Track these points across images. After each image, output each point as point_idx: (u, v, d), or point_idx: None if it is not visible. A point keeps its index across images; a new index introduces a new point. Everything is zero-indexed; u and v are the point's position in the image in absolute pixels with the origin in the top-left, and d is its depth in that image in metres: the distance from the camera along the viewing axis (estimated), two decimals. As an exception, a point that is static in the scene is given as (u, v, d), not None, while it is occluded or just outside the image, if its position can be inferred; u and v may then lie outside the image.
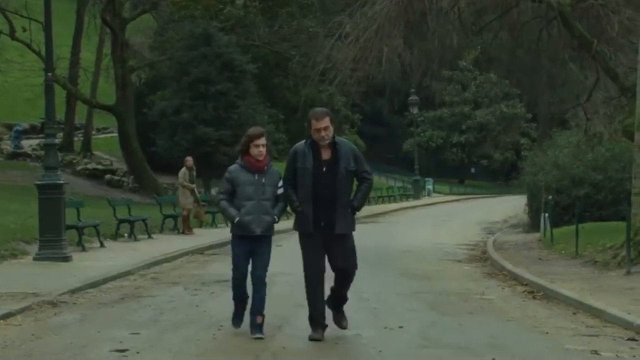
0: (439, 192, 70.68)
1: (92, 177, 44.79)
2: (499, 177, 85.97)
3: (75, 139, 51.78)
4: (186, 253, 21.57)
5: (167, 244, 23.17)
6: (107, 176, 45.19)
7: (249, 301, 10.42)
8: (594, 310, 12.32)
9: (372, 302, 13.05)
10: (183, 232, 27.16)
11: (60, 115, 44.20)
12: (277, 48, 46.99)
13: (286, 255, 17.75)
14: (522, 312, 12.89)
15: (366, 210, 28.98)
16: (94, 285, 15.00)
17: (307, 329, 10.37)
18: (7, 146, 50.07)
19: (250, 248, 10.23)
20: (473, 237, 29.08)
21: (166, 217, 27.65)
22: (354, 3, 26.65)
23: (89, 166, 46.16)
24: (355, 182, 10.21)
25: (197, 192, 28.94)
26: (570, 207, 25.59)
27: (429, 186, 69.03)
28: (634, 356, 9.60)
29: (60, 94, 39.12)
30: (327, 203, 9.89)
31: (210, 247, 23.07)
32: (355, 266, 10.23)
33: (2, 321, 11.34)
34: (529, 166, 34.78)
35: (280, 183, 10.25)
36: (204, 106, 39.04)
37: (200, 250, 22.48)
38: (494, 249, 22.99)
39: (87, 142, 50.48)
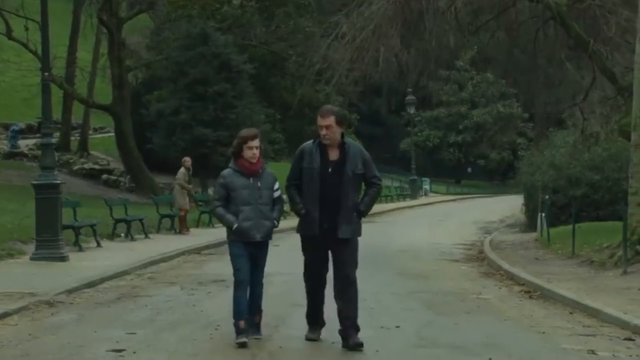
0: (436, 192, 70.73)
1: (89, 177, 44.76)
2: (496, 177, 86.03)
3: (72, 138, 51.77)
4: (183, 253, 21.56)
5: (164, 243, 23.16)
6: (104, 176, 45.16)
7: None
8: (591, 310, 12.33)
9: (368, 301, 13.05)
10: (180, 232, 27.17)
11: (56, 115, 44.20)
12: (273, 48, 46.98)
13: (283, 255, 17.75)
14: (519, 311, 12.90)
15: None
16: (91, 285, 14.99)
17: (303, 328, 10.37)
18: (4, 146, 50.00)
19: (250, 253, 9.83)
20: (470, 237, 29.10)
21: (163, 216, 27.63)
22: (351, 3, 26.64)
23: (85, 166, 46.13)
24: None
25: (193, 193, 28.98)
26: (567, 207, 25.60)
27: (426, 186, 69.07)
28: (631, 356, 9.62)
29: (56, 94, 39.17)
30: (332, 205, 9.52)
31: (207, 247, 23.06)
32: (350, 278, 9.67)
33: (-2, 321, 11.34)
34: (525, 166, 34.82)
35: (277, 185, 9.94)
36: (202, 107, 39.05)
37: (197, 250, 22.47)
38: (490, 249, 23.01)
39: (83, 142, 50.46)
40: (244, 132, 10.00)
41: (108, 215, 24.33)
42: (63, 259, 17.89)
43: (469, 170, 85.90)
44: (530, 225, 30.41)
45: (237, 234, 9.76)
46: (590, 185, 27.61)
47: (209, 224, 29.66)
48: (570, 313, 12.59)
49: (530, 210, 31.58)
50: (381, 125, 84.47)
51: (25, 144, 49.94)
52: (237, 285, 9.87)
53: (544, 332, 10.97)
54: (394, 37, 25.43)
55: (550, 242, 22.65)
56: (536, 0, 23.99)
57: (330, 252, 9.72)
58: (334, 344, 9.80)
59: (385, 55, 25.80)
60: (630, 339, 10.46)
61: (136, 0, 47.99)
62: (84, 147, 50.08)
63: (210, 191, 34.95)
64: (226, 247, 10.56)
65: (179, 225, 27.42)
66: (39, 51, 24.18)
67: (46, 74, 18.93)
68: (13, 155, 48.39)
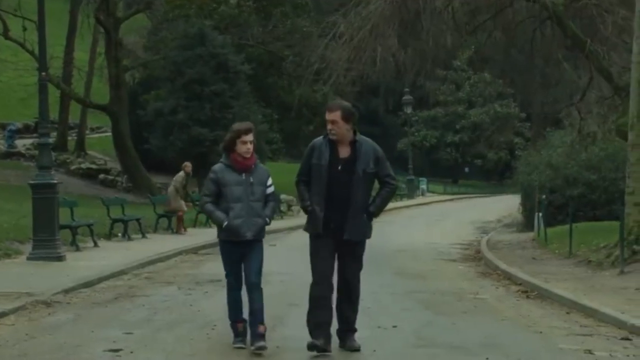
0: (433, 192, 70.69)
1: (86, 177, 44.70)
2: (493, 177, 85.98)
3: (69, 138, 51.71)
4: (180, 253, 21.55)
5: (161, 243, 23.14)
6: (101, 176, 45.12)
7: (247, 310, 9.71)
8: (588, 310, 12.34)
9: (366, 301, 13.02)
10: (177, 232, 27.16)
11: (54, 114, 44.09)
12: (271, 47, 46.95)
13: (280, 255, 17.79)
14: (516, 311, 12.90)
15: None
16: (88, 285, 14.98)
17: (301, 328, 10.36)
18: (1, 145, 49.94)
19: (241, 253, 9.50)
20: (467, 237, 29.11)
21: (160, 216, 27.63)
22: (348, 2, 26.68)
23: (82, 166, 46.09)
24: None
25: (186, 195, 29.08)
26: (564, 207, 25.62)
27: (423, 186, 69.04)
28: (628, 355, 9.62)
29: (54, 94, 39.11)
30: (340, 205, 9.12)
31: (204, 246, 23.04)
32: (354, 281, 9.45)
33: (-5, 321, 11.33)
34: (522, 166, 34.85)
35: (270, 181, 9.64)
36: (199, 107, 39.05)
37: (194, 250, 22.47)
38: (487, 249, 23.01)
39: (80, 142, 50.42)
40: (237, 125, 9.62)
41: (105, 215, 24.31)
42: (60, 258, 17.87)
43: (466, 170, 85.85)
44: (527, 225, 30.42)
45: (227, 232, 9.42)
46: (587, 185, 27.63)
47: (206, 224, 29.65)
48: (568, 313, 12.59)
49: (528, 210, 31.59)
50: (378, 125, 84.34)
51: (22, 143, 49.87)
52: (229, 288, 9.70)
53: (541, 332, 10.97)
54: (391, 37, 25.47)
55: (547, 242, 22.65)
56: (533, 0, 24.02)
57: (337, 252, 9.37)
58: (332, 345, 9.79)
59: (382, 55, 25.84)
60: (627, 339, 10.47)
61: (133, 0, 47.97)
62: (81, 146, 50.04)
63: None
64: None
65: (176, 225, 27.41)
66: (36, 51, 24.19)
67: (43, 73, 18.91)
68: (10, 155, 48.33)
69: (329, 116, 9.23)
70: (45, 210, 17.82)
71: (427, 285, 16.02)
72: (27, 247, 18.65)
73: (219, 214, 9.41)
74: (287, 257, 19.16)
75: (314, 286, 9.35)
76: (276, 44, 46.90)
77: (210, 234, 25.49)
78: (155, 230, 26.91)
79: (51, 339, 10.23)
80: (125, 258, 18.90)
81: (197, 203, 31.13)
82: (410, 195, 62.53)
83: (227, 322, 9.85)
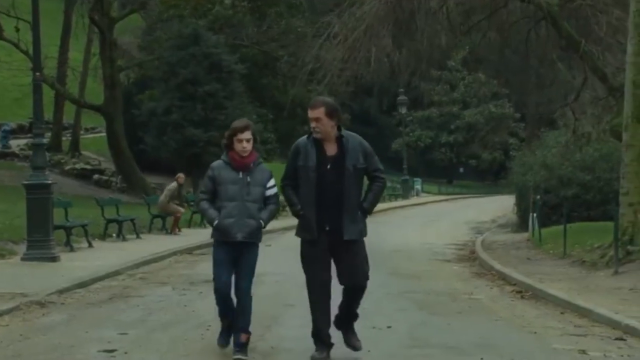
0: (428, 192, 70.77)
1: (80, 177, 44.66)
2: (488, 177, 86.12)
3: (64, 138, 51.67)
4: (174, 253, 21.54)
5: (156, 243, 23.14)
6: (95, 176, 45.07)
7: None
8: (582, 310, 12.35)
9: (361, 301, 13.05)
10: (171, 232, 27.15)
11: (48, 115, 44.08)
12: (265, 48, 46.96)
13: (275, 255, 17.76)
14: (511, 311, 12.91)
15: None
16: (82, 285, 14.96)
17: (295, 328, 10.37)
18: (-5, 146, 49.92)
19: (233, 256, 9.04)
20: (462, 237, 29.12)
21: (154, 217, 27.61)
22: (343, 3, 26.67)
23: (77, 166, 46.03)
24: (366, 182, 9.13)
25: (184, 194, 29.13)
26: (558, 207, 25.63)
27: (418, 186, 69.10)
28: (622, 355, 9.63)
29: (48, 94, 39.09)
30: (333, 205, 8.70)
31: (199, 247, 23.04)
32: (365, 278, 8.95)
33: (-11, 321, 11.31)
34: (517, 166, 34.89)
35: (272, 183, 9.17)
36: (193, 107, 39.07)
37: (189, 250, 22.46)
38: (482, 249, 23.03)
39: (75, 142, 50.37)
40: (235, 123, 9.24)
41: (99, 215, 24.30)
42: (54, 259, 17.86)
43: (461, 170, 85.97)
44: (521, 225, 30.46)
45: (218, 231, 9.01)
46: (581, 186, 27.67)
47: (201, 224, 29.63)
48: (562, 313, 12.60)
49: (522, 210, 31.63)
50: (373, 126, 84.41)
51: (16, 144, 49.82)
52: (215, 292, 9.18)
53: (535, 332, 10.98)
54: (385, 37, 25.46)
55: (541, 242, 22.68)
56: (527, 1, 24.04)
57: (336, 257, 8.86)
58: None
59: (377, 55, 25.83)
60: (621, 339, 10.48)
61: (128, 0, 47.94)
62: (75, 147, 49.99)
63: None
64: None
65: (172, 225, 27.41)
66: (30, 51, 24.15)
67: (37, 74, 18.90)
68: (4, 155, 48.25)
69: (311, 114, 8.84)
70: (40, 211, 17.80)
71: (422, 285, 16.03)
72: (22, 248, 18.62)
73: (211, 212, 9.04)
74: (282, 257, 19.13)
75: (312, 294, 8.94)
76: (271, 44, 46.91)
77: (204, 235, 25.46)
78: (149, 231, 26.90)
79: (45, 339, 10.22)
80: (120, 258, 18.88)
81: (193, 203, 31.17)
82: (405, 196, 62.58)
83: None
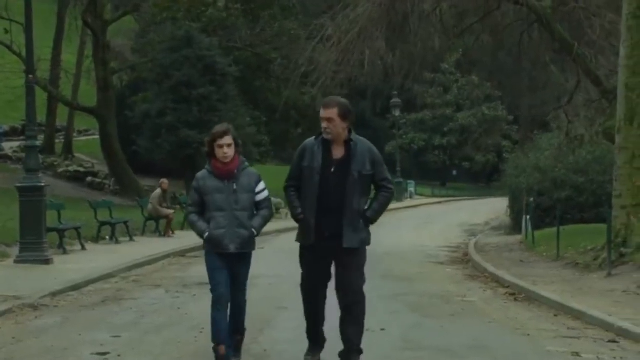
0: (421, 195, 70.77)
1: (74, 180, 44.64)
2: (481, 180, 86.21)
3: (57, 141, 51.66)
4: (168, 255, 21.52)
5: (149, 246, 23.11)
6: (89, 178, 45.05)
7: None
8: (575, 312, 12.36)
9: (354, 304, 13.05)
10: (165, 235, 27.13)
11: (41, 117, 44.09)
12: (258, 50, 46.99)
13: (268, 258, 17.73)
14: (504, 314, 12.91)
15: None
16: (75, 288, 14.94)
17: (289, 331, 10.36)
18: (-12, 148, 49.87)
19: (227, 266, 8.65)
20: (455, 240, 29.13)
21: (148, 219, 27.58)
22: (336, 5, 26.72)
23: (70, 168, 46.01)
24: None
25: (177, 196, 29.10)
26: (551, 210, 25.67)
27: (411, 188, 69.10)
28: (615, 358, 9.63)
29: (41, 96, 38.99)
30: (334, 210, 8.32)
31: (192, 249, 23.00)
32: (358, 293, 8.56)
33: (-18, 324, 11.29)
34: (510, 168, 34.92)
35: (261, 187, 8.75)
36: (187, 109, 39.09)
37: (182, 253, 22.43)
38: (475, 251, 23.04)
39: (68, 144, 50.35)
40: (214, 129, 8.76)
41: (93, 217, 24.27)
42: (47, 261, 17.82)
43: (454, 172, 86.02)
44: (515, 227, 30.48)
45: (209, 243, 8.63)
46: (574, 188, 27.71)
47: (194, 227, 29.61)
48: (555, 315, 12.61)
49: (515, 212, 31.66)
50: (366, 128, 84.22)
51: (9, 146, 49.79)
52: (215, 303, 8.69)
53: (528, 335, 10.99)
54: (379, 39, 25.48)
55: (535, 245, 22.70)
56: (521, 3, 24.07)
57: (334, 263, 8.54)
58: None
59: (370, 58, 25.85)
60: (614, 341, 10.49)
61: (121, 3, 47.94)
62: (68, 149, 49.97)
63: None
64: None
65: (165, 228, 27.38)
66: (23, 53, 24.11)
67: (30, 76, 18.87)
68: (-3, 157, 48.23)
69: (324, 113, 8.40)
70: (33, 213, 17.77)
71: (415, 288, 16.02)
72: (14, 250, 18.59)
73: (200, 224, 8.67)
74: (275, 260, 19.14)
75: (306, 295, 8.71)
76: (264, 47, 46.94)
77: (197, 237, 25.48)
78: (143, 233, 26.88)
79: (38, 342, 10.20)
80: (113, 261, 18.86)
81: (185, 206, 31.11)
82: (399, 198, 62.51)
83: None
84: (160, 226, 27.56)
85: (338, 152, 8.43)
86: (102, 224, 24.18)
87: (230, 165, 8.62)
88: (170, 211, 27.98)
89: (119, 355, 9.37)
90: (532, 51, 28.61)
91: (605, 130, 22.16)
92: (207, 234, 8.60)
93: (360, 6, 25.43)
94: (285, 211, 38.25)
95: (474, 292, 15.64)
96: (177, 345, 9.99)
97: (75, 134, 53.20)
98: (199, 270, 17.98)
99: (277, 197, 34.12)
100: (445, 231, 33.02)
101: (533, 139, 38.91)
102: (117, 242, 24.08)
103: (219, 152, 8.59)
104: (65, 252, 20.35)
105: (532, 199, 26.54)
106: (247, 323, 9.26)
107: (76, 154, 50.24)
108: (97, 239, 23.82)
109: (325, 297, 8.73)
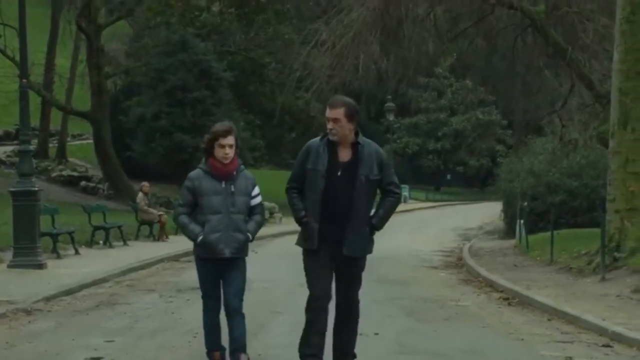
0: (415, 199, 70.79)
1: (67, 184, 44.49)
2: (475, 184, 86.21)
3: (50, 145, 51.50)
4: (161, 260, 21.50)
5: (143, 251, 23.09)
6: (82, 183, 44.93)
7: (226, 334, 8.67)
8: (569, 317, 12.36)
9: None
10: (158, 239, 27.10)
11: (34, 121, 43.90)
12: (252, 55, 47.00)
13: (263, 262, 17.73)
14: (498, 318, 12.92)
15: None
16: (69, 292, 14.91)
17: (283, 335, 10.35)
18: (-19, 153, 49.72)
19: (220, 273, 8.40)
20: (449, 244, 29.15)
21: (141, 223, 27.55)
22: (330, 10, 26.77)
23: (63, 173, 45.88)
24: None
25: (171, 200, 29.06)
26: (545, 214, 25.70)
27: (405, 193, 69.02)
28: (609, 362, 9.65)
29: (35, 100, 38.92)
30: (339, 215, 7.98)
31: (186, 254, 22.93)
32: (354, 300, 8.42)
33: (-25, 329, 11.26)
34: (504, 173, 34.95)
35: (256, 191, 8.46)
36: (181, 113, 39.10)
37: (176, 257, 22.41)
38: (469, 256, 23.04)
39: (62, 149, 50.22)
40: (217, 126, 8.42)
41: (86, 222, 24.23)
42: (41, 266, 17.78)
43: (448, 177, 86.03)
44: (509, 232, 30.50)
45: (202, 248, 8.30)
46: (568, 192, 27.73)
47: (188, 231, 29.59)
48: (549, 320, 12.62)
49: (509, 217, 31.68)
50: (360, 132, 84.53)
51: (2, 150, 49.61)
52: (206, 310, 8.58)
53: (522, 339, 10.99)
54: (373, 44, 25.53)
55: (528, 249, 22.71)
56: (514, 8, 24.11)
57: (336, 269, 8.25)
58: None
59: (364, 62, 25.90)
60: (608, 346, 10.49)
61: (115, 7, 47.88)
62: (62, 153, 49.84)
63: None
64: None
65: (158, 232, 27.36)
66: (17, 58, 24.07)
67: (24, 80, 18.84)
68: (-9, 162, 48.09)
69: (330, 113, 8.01)
70: (26, 218, 17.74)
71: (409, 292, 16.03)
72: (8, 255, 18.55)
73: (193, 228, 8.29)
74: (270, 264, 19.15)
75: (310, 308, 8.24)
76: (258, 51, 46.95)
77: (191, 242, 25.46)
78: (136, 238, 26.85)
79: (31, 347, 10.18)
80: (107, 265, 18.83)
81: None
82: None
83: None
84: (154, 230, 27.53)
85: (345, 155, 8.08)
86: (96, 228, 24.14)
87: (230, 167, 8.32)
88: (159, 214, 27.87)
89: (112, 360, 9.36)
90: (525, 55, 28.66)
91: (599, 134, 22.20)
92: (200, 237, 8.26)
93: (354, 11, 25.46)
94: (279, 215, 38.27)
95: (468, 296, 15.65)
96: (170, 349, 9.97)
97: (69, 139, 53.05)
98: (193, 274, 17.91)
99: (270, 201, 34.18)
100: (439, 235, 33.04)
101: (527, 143, 38.95)
102: (111, 246, 24.05)
103: (219, 152, 8.26)
104: (58, 256, 20.31)
105: (526, 203, 26.57)
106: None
107: (70, 159, 50.10)
108: (90, 243, 23.78)
109: (327, 313, 8.29)
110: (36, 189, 18.29)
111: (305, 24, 34.18)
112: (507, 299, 15.02)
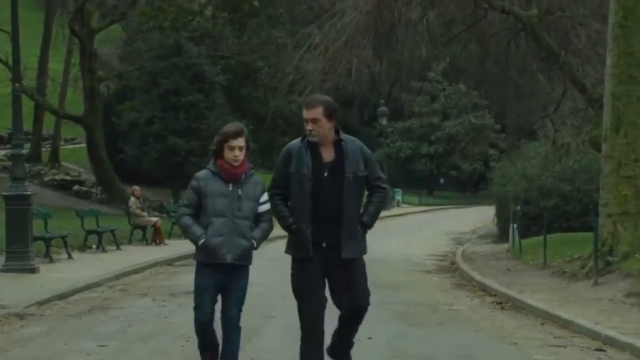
0: (409, 203, 70.84)
1: (60, 188, 44.41)
2: (468, 188, 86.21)
3: (43, 149, 51.42)
4: (155, 264, 21.47)
5: (136, 255, 23.06)
6: (75, 187, 44.86)
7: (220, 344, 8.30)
8: (562, 321, 12.38)
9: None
10: (155, 243, 27.06)
11: (27, 125, 43.85)
12: (245, 59, 47.00)
13: (257, 266, 17.59)
14: (491, 322, 12.93)
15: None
16: (62, 297, 14.89)
17: (276, 340, 10.34)
18: (-26, 157, 49.61)
19: (219, 281, 7.99)
20: (442, 248, 29.17)
21: (134, 228, 27.51)
22: (323, 14, 26.78)
23: (56, 177, 45.81)
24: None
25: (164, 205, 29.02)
26: (538, 218, 25.72)
27: (399, 197, 69.16)
28: (602, 366, 9.66)
29: (27, 105, 38.87)
30: (330, 218, 7.64)
31: (179, 258, 22.97)
32: (367, 299, 8.14)
33: (-33, 333, 11.23)
34: (497, 177, 34.98)
35: (265, 197, 8.03)
36: (175, 117, 39.10)
37: (169, 262, 22.39)
38: (462, 260, 23.06)
39: (54, 153, 50.15)
40: (227, 127, 8.10)
41: (79, 226, 24.18)
42: (33, 270, 17.75)
43: (441, 181, 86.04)
44: (502, 236, 30.52)
45: (203, 251, 7.93)
46: (561, 197, 27.77)
47: (181, 236, 29.52)
48: (542, 324, 12.63)
49: (502, 221, 31.69)
50: (353, 136, 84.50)
51: (-5, 154, 49.56)
52: (196, 323, 8.19)
53: (515, 343, 10.99)
54: (366, 48, 25.54)
55: (521, 253, 22.72)
56: (507, 12, 24.14)
57: (332, 277, 7.88)
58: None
59: (357, 67, 25.90)
60: (601, 350, 10.51)
61: (108, 11, 47.84)
62: (55, 158, 49.77)
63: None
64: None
65: (152, 236, 27.30)
66: (10, 61, 24.08)
67: (17, 84, 18.83)
68: (-17, 166, 47.97)
69: (308, 114, 7.71)
70: (19, 222, 17.71)
71: (402, 296, 16.03)
72: (0, 259, 18.49)
73: (195, 230, 7.94)
74: (264, 267, 19.09)
75: (304, 321, 7.86)
76: (251, 56, 46.95)
77: (185, 245, 25.38)
78: (129, 242, 26.81)
79: (24, 351, 10.16)
80: (100, 270, 18.80)
81: (173, 214, 31.07)
82: (386, 207, 62.62)
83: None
84: (147, 234, 27.48)
85: (328, 155, 7.76)
86: (89, 232, 24.10)
87: (239, 169, 7.98)
88: (154, 219, 27.88)
89: (105, 365, 9.35)
90: (518, 60, 28.72)
91: (592, 138, 22.22)
92: (202, 240, 7.90)
93: (347, 15, 25.48)
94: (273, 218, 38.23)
95: (461, 300, 15.66)
96: (163, 354, 9.96)
97: (62, 143, 53.00)
98: (186, 278, 17.93)
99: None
100: (432, 239, 33.05)
101: (520, 147, 39.03)
102: (104, 250, 24.01)
103: (228, 154, 7.93)
104: (51, 260, 20.27)
105: (518, 208, 26.60)
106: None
107: (63, 163, 50.04)
108: (83, 247, 23.74)
109: (324, 319, 7.96)
110: (29, 193, 18.26)
111: (298, 28, 34.18)
112: (500, 303, 15.03)
